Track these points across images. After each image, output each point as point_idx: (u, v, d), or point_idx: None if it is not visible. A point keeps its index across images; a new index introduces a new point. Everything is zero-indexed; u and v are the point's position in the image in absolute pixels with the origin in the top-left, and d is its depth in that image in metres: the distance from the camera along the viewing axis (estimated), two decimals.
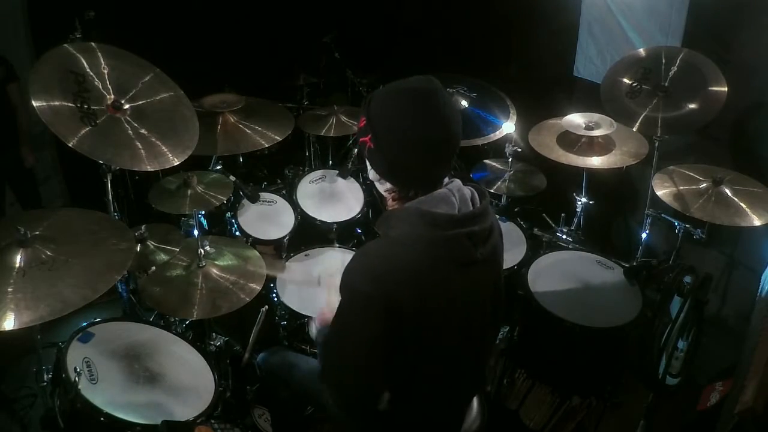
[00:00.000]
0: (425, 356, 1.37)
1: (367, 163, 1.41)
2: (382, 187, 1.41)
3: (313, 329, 1.67)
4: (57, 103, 1.87)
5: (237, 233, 2.66)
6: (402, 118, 1.29)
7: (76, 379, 1.59)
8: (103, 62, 2.03)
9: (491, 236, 1.41)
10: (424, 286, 1.29)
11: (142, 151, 1.97)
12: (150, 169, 1.97)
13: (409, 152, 1.30)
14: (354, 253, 1.41)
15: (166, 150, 2.02)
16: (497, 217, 1.49)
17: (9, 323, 1.45)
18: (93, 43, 2.06)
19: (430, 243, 1.29)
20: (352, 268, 1.31)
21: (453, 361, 1.45)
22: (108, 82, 2.02)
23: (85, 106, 1.93)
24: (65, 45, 2.02)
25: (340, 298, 1.35)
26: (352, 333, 1.33)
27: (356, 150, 3.24)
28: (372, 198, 2.99)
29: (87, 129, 1.89)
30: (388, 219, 1.37)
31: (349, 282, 1.31)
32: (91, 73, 2.00)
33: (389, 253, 1.30)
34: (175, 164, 2.04)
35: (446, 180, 1.40)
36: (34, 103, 1.81)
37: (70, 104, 1.90)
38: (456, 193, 1.36)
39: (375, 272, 1.27)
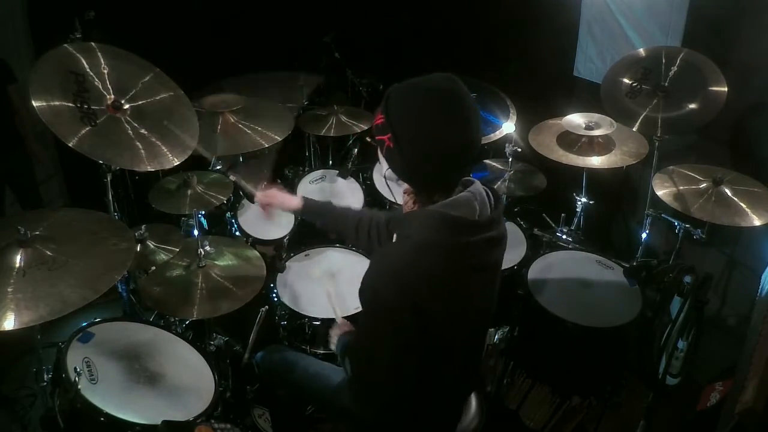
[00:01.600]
0: (438, 355, 1.38)
1: (383, 161, 1.36)
2: (399, 187, 1.39)
3: (334, 340, 1.69)
4: (57, 103, 1.86)
5: (237, 233, 2.66)
6: (424, 120, 1.24)
7: (76, 379, 1.59)
8: (103, 62, 2.03)
9: (502, 241, 1.41)
10: (445, 290, 1.29)
11: (142, 151, 1.97)
12: (150, 169, 1.97)
13: (430, 156, 1.26)
14: (373, 256, 1.40)
15: (166, 150, 2.02)
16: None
17: (9, 323, 1.44)
18: (93, 43, 2.06)
19: (452, 249, 1.28)
20: (375, 274, 1.30)
21: (459, 360, 1.46)
22: (108, 82, 2.01)
23: (85, 106, 1.92)
24: (65, 45, 2.02)
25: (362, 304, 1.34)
26: (380, 337, 1.31)
27: (356, 150, 3.25)
28: (372, 198, 2.99)
29: (87, 129, 1.89)
30: (407, 221, 1.34)
31: (372, 288, 1.29)
32: (91, 73, 1.99)
33: (412, 258, 1.27)
34: (175, 164, 2.04)
35: (467, 181, 1.39)
36: (34, 103, 1.81)
37: (70, 104, 1.89)
38: (478, 196, 1.35)
39: (398, 279, 1.25)
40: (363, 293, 1.32)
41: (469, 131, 1.27)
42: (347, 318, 2.12)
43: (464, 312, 1.37)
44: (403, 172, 1.32)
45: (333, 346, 1.70)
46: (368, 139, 3.08)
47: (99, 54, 2.03)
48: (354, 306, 2.15)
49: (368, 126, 3.09)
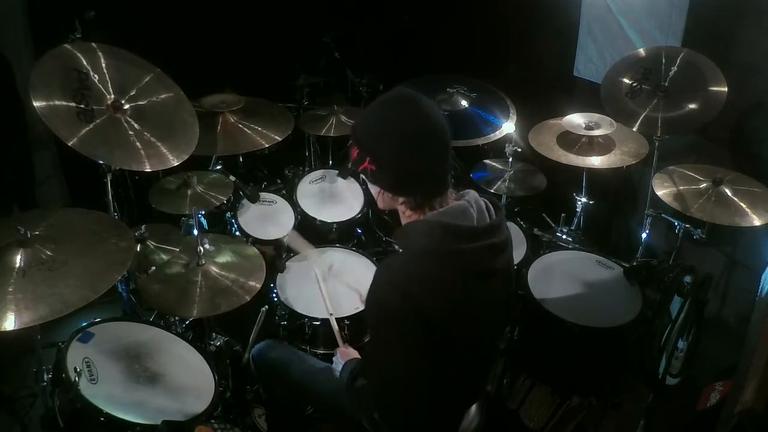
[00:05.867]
0: (445, 362, 1.37)
1: (374, 188, 1.41)
2: (395, 203, 1.41)
3: (339, 366, 1.69)
4: (57, 102, 1.87)
5: (237, 233, 2.66)
6: (386, 124, 1.32)
7: (76, 379, 1.59)
8: (103, 62, 2.03)
9: (507, 248, 1.42)
10: (448, 297, 1.30)
11: (142, 151, 1.97)
12: (149, 169, 1.97)
13: (404, 150, 1.31)
14: (377, 269, 1.40)
15: (164, 150, 2.02)
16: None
17: (9, 323, 1.45)
18: (93, 43, 2.06)
19: (453, 256, 1.30)
20: (378, 284, 1.32)
21: (467, 367, 1.46)
22: (108, 82, 2.02)
23: (86, 106, 1.92)
24: (66, 45, 2.01)
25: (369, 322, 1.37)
26: (391, 350, 1.32)
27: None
28: (372, 198, 2.97)
29: (87, 128, 1.89)
30: (407, 232, 1.36)
31: (376, 299, 1.31)
32: (92, 73, 1.99)
33: (414, 266, 1.30)
34: (175, 165, 2.04)
35: (463, 192, 1.41)
36: (35, 103, 1.81)
37: (70, 104, 1.90)
38: (474, 204, 1.38)
39: (401, 286, 1.27)
40: (368, 308, 1.34)
41: (429, 117, 1.32)
42: (344, 318, 2.13)
43: (471, 321, 1.37)
44: (392, 182, 1.36)
45: (337, 374, 1.70)
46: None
47: (99, 54, 2.04)
48: (353, 307, 2.15)
49: None
